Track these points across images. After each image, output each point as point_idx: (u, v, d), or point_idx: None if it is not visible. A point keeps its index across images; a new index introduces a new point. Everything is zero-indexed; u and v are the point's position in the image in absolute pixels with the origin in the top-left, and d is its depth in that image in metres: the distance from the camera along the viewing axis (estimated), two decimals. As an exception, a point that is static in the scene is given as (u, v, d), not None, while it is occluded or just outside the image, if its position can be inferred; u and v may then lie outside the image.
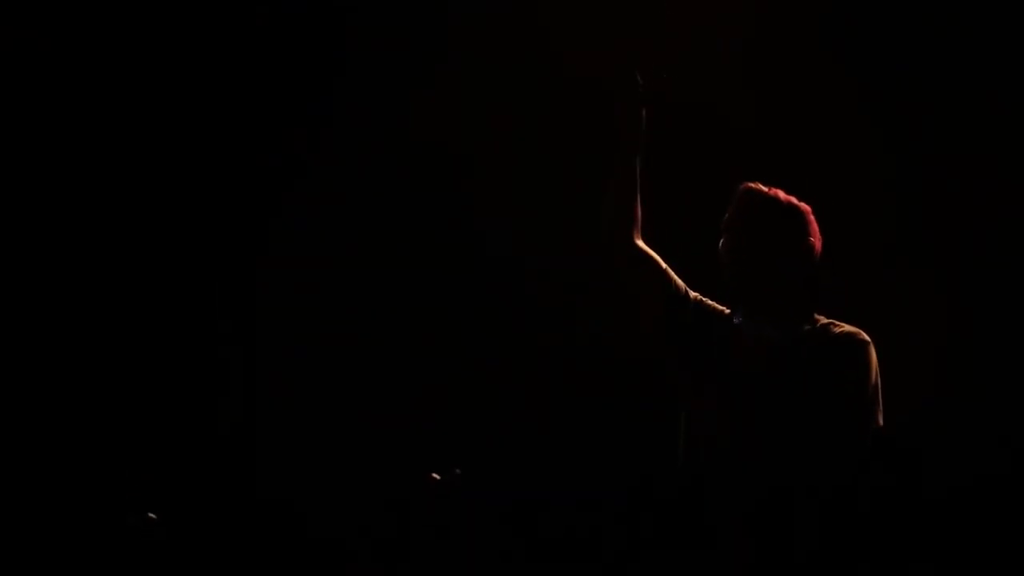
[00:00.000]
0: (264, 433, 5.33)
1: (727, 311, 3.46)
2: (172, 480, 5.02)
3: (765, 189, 3.46)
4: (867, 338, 3.37)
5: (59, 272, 5.34)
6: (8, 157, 5.34)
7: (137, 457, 5.23)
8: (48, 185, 5.36)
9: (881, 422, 3.27)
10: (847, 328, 3.39)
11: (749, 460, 3.21)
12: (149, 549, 2.46)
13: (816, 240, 3.44)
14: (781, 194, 3.46)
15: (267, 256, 5.45)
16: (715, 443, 3.27)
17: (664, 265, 3.45)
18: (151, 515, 2.63)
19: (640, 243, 3.44)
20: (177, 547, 2.45)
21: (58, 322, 5.31)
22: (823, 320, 3.42)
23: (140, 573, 2.42)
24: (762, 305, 3.40)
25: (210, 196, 5.42)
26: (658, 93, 3.42)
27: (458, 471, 2.39)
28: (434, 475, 2.37)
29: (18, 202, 5.35)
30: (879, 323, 3.49)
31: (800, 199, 3.48)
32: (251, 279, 5.45)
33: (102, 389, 5.33)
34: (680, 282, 3.46)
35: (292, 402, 5.38)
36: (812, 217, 3.47)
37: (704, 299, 3.48)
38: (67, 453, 5.26)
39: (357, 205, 5.36)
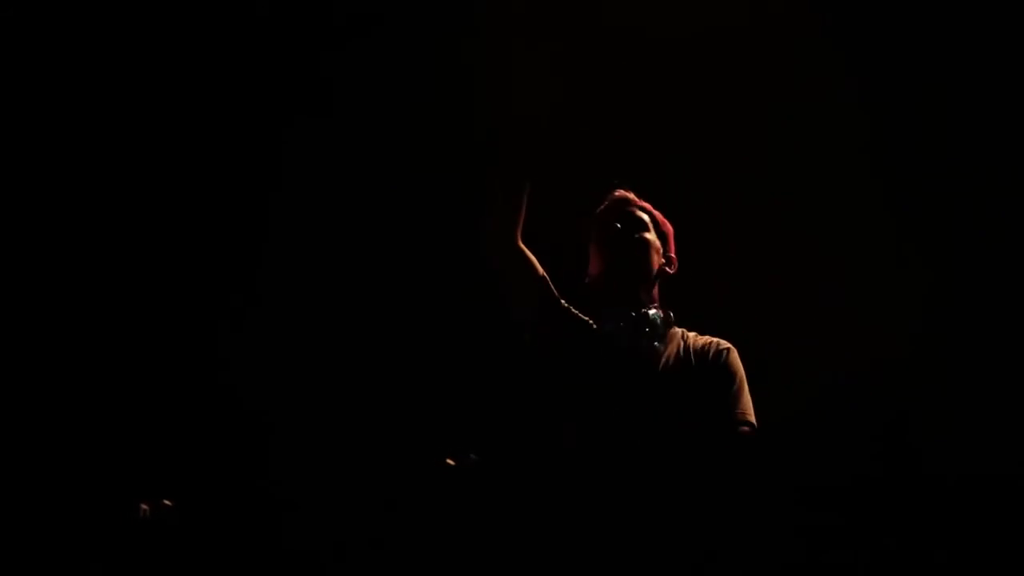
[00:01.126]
0: (266, 426, 5.37)
1: (591, 321, 3.51)
2: (182, 468, 5.07)
3: (631, 194, 3.64)
4: (730, 345, 3.49)
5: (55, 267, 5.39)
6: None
7: (145, 447, 5.28)
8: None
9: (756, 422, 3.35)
10: (713, 338, 3.50)
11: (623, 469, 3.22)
12: (163, 535, 2.47)
13: (675, 258, 3.63)
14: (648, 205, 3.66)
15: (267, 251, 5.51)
16: (584, 452, 3.27)
17: (542, 271, 3.50)
18: (166, 501, 2.64)
19: (521, 245, 3.48)
20: (191, 533, 2.46)
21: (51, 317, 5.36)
22: (680, 331, 3.53)
23: (155, 559, 2.43)
24: (632, 305, 3.49)
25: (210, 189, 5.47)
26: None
27: (473, 456, 2.40)
28: (449, 460, 2.38)
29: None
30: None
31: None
32: (252, 276, 5.50)
33: (107, 382, 5.38)
34: (554, 289, 3.52)
35: (293, 398, 5.42)
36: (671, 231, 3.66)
37: (572, 308, 3.54)
38: (75, 445, 5.30)
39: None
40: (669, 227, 3.62)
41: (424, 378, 5.05)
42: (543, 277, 3.48)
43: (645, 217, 3.57)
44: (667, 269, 3.57)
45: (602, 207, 3.61)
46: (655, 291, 3.54)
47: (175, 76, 5.38)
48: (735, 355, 3.44)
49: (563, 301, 3.49)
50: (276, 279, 5.41)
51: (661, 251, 3.57)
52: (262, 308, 5.33)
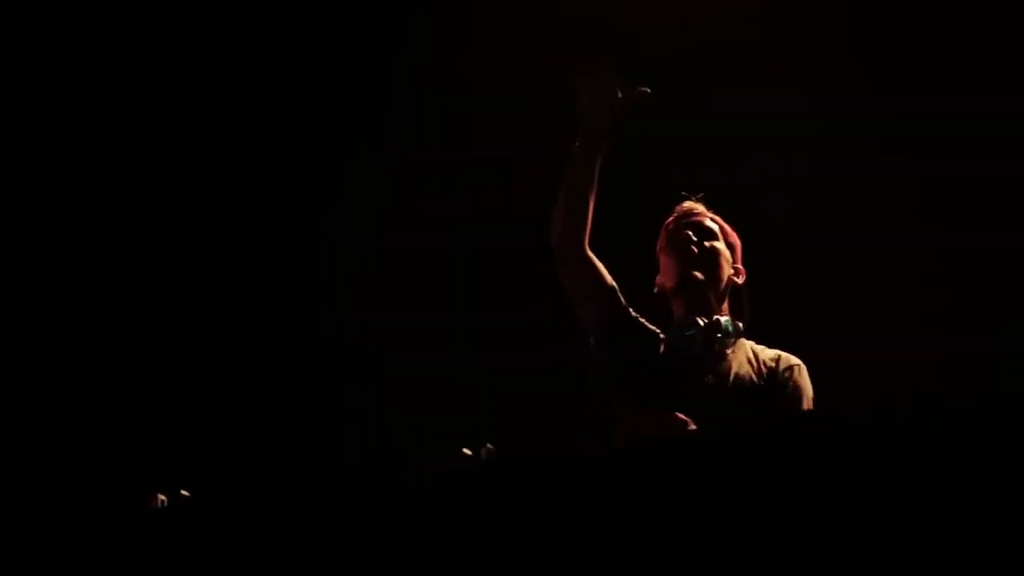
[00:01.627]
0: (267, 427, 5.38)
1: (659, 331, 3.54)
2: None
3: (700, 205, 3.66)
4: (800, 362, 3.50)
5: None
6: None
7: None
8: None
9: None
10: (782, 353, 3.52)
11: None
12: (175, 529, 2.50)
13: (743, 268, 3.64)
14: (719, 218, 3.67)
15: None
16: None
17: (611, 280, 3.54)
18: (184, 492, 2.67)
19: (588, 253, 3.52)
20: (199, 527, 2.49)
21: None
22: (749, 343, 3.54)
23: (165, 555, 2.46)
24: (703, 314, 3.50)
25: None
26: (630, 106, 3.47)
27: (490, 446, 2.42)
28: (465, 451, 2.40)
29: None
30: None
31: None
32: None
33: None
34: (622, 298, 3.55)
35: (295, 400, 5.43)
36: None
37: (640, 317, 3.57)
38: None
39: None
40: (737, 238, 3.64)
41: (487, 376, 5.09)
42: (612, 286, 3.52)
43: (715, 227, 3.60)
44: (736, 280, 3.59)
45: (672, 216, 3.65)
46: (725, 301, 3.57)
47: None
48: (804, 372, 3.47)
49: (632, 310, 3.53)
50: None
51: (730, 261, 3.59)
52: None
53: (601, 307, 3.50)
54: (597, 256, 3.54)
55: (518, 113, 5.16)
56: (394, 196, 5.36)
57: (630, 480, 2.32)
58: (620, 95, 3.45)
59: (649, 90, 3.47)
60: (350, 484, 2.52)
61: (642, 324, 3.54)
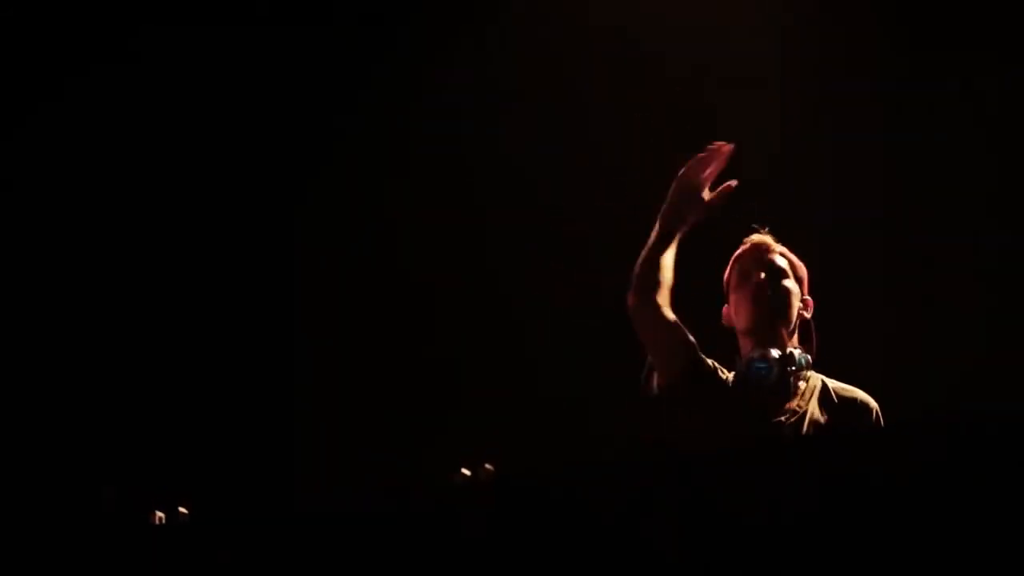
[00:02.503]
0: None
1: (728, 372, 3.53)
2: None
3: (770, 238, 3.64)
4: (875, 403, 3.50)
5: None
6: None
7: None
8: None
9: None
10: (858, 393, 3.51)
11: None
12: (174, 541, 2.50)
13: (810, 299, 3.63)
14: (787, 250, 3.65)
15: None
16: None
17: (690, 337, 3.51)
18: (182, 510, 2.66)
19: (666, 310, 3.50)
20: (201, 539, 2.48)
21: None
22: (821, 377, 3.53)
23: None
24: (776, 347, 3.49)
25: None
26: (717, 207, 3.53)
27: (489, 466, 2.40)
28: (464, 471, 2.39)
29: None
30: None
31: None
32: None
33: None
34: (705, 358, 3.52)
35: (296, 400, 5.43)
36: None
37: (721, 370, 3.54)
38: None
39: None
40: (804, 270, 3.63)
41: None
42: (690, 343, 3.49)
43: (784, 264, 3.58)
44: (804, 313, 3.58)
45: (741, 252, 3.63)
46: (795, 335, 3.56)
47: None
48: (875, 409, 3.47)
49: (710, 362, 3.52)
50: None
51: (799, 295, 3.58)
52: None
53: (676, 368, 3.48)
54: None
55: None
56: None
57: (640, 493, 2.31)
58: (708, 195, 3.51)
59: (736, 183, 3.50)
60: (348, 502, 2.52)
61: (717, 374, 3.52)
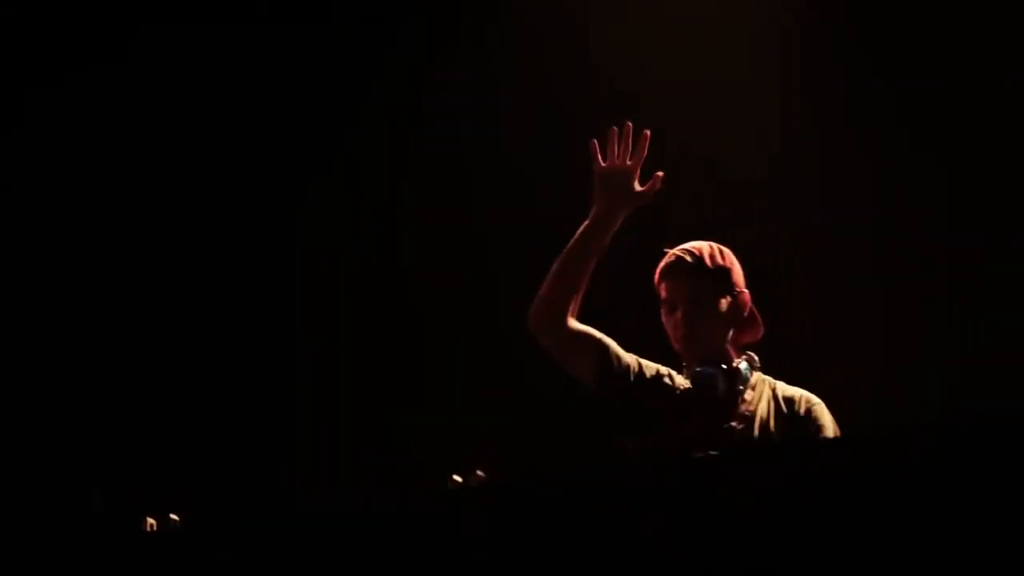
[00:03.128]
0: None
1: (674, 374, 3.47)
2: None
3: (691, 250, 3.45)
4: (819, 400, 3.45)
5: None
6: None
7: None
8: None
9: None
10: (802, 392, 3.45)
11: None
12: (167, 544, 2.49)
13: (745, 289, 3.48)
14: (705, 249, 3.47)
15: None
16: None
17: (604, 340, 3.43)
18: (173, 516, 2.65)
19: (571, 325, 3.40)
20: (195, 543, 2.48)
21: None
22: (767, 379, 3.47)
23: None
24: (720, 359, 3.42)
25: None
26: (649, 198, 3.41)
27: (480, 472, 2.40)
28: (455, 477, 2.38)
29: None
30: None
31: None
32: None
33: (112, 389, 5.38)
34: (624, 356, 3.44)
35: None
36: (736, 261, 3.51)
37: (650, 367, 3.47)
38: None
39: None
40: (734, 263, 3.47)
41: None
42: (603, 345, 3.42)
43: (706, 288, 3.42)
44: (743, 312, 3.46)
45: (663, 270, 3.46)
46: (743, 330, 3.48)
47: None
48: (824, 409, 3.41)
49: (628, 358, 3.44)
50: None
51: (729, 308, 3.44)
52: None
53: (592, 364, 3.42)
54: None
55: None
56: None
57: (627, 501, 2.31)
58: (639, 188, 3.39)
59: (662, 174, 3.38)
60: (347, 502, 2.51)
61: (643, 372, 3.45)
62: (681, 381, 3.44)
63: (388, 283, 5.38)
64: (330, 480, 5.19)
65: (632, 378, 3.42)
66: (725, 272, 3.46)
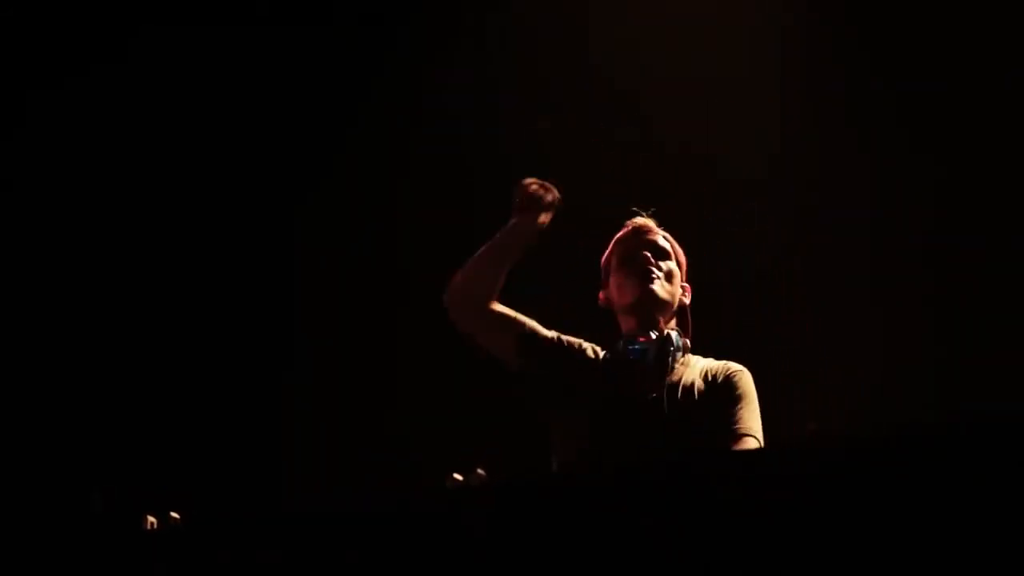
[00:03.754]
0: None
1: (600, 350, 3.52)
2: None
3: (652, 222, 3.61)
4: (743, 368, 3.49)
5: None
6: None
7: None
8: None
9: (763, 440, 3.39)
10: (728, 362, 3.50)
11: None
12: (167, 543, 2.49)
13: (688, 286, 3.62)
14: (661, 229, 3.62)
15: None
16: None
17: (523, 317, 3.51)
18: (174, 515, 2.65)
19: (491, 308, 3.50)
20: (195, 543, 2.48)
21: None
22: (699, 358, 3.53)
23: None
24: (653, 329, 3.48)
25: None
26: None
27: (480, 471, 2.40)
28: (455, 476, 2.38)
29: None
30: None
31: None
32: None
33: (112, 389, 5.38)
34: (545, 330, 3.52)
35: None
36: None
37: (574, 342, 3.54)
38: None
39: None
40: (683, 256, 3.62)
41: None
42: (520, 323, 3.50)
43: (667, 246, 3.58)
44: (684, 299, 3.57)
45: (623, 234, 3.61)
46: (673, 319, 3.55)
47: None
48: (746, 376, 3.45)
49: (559, 335, 3.51)
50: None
51: (678, 284, 3.57)
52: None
53: (512, 339, 3.49)
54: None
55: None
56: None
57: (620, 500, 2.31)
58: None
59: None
60: (346, 502, 2.51)
61: (563, 344, 3.52)
62: (603, 354, 3.50)
63: (388, 283, 5.38)
64: (330, 480, 5.19)
65: (554, 350, 3.49)
66: (679, 259, 3.62)
